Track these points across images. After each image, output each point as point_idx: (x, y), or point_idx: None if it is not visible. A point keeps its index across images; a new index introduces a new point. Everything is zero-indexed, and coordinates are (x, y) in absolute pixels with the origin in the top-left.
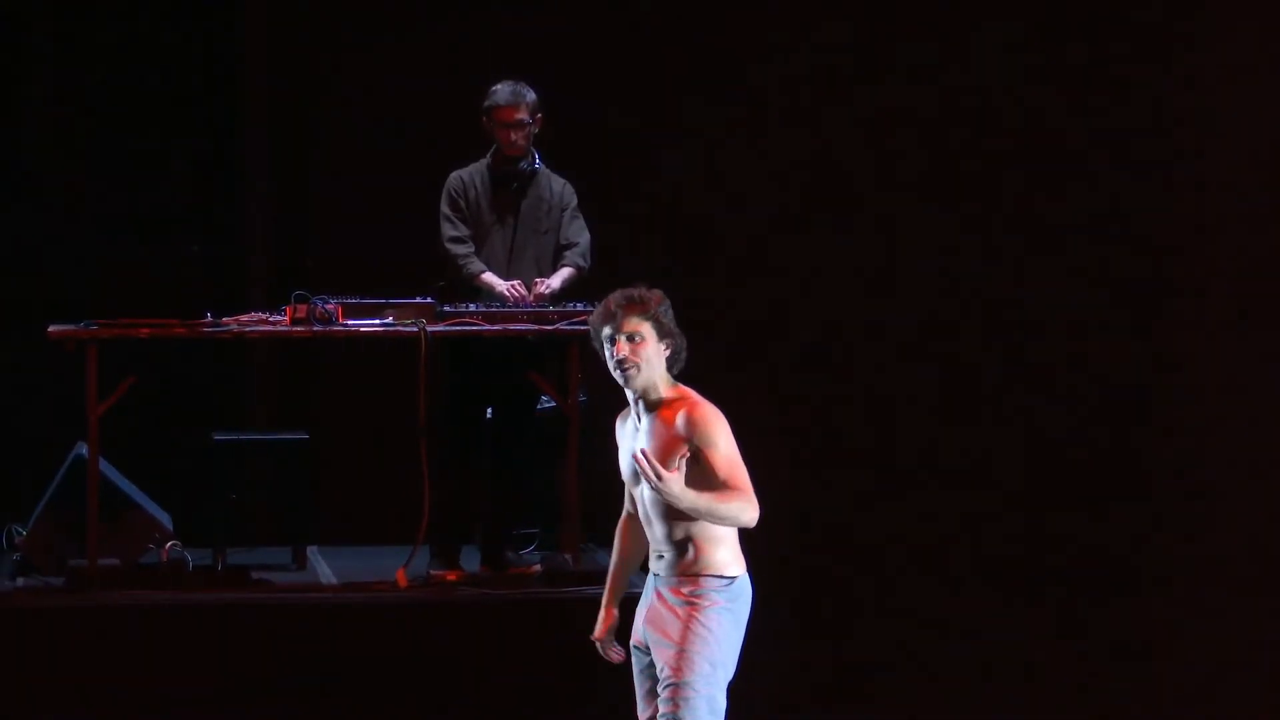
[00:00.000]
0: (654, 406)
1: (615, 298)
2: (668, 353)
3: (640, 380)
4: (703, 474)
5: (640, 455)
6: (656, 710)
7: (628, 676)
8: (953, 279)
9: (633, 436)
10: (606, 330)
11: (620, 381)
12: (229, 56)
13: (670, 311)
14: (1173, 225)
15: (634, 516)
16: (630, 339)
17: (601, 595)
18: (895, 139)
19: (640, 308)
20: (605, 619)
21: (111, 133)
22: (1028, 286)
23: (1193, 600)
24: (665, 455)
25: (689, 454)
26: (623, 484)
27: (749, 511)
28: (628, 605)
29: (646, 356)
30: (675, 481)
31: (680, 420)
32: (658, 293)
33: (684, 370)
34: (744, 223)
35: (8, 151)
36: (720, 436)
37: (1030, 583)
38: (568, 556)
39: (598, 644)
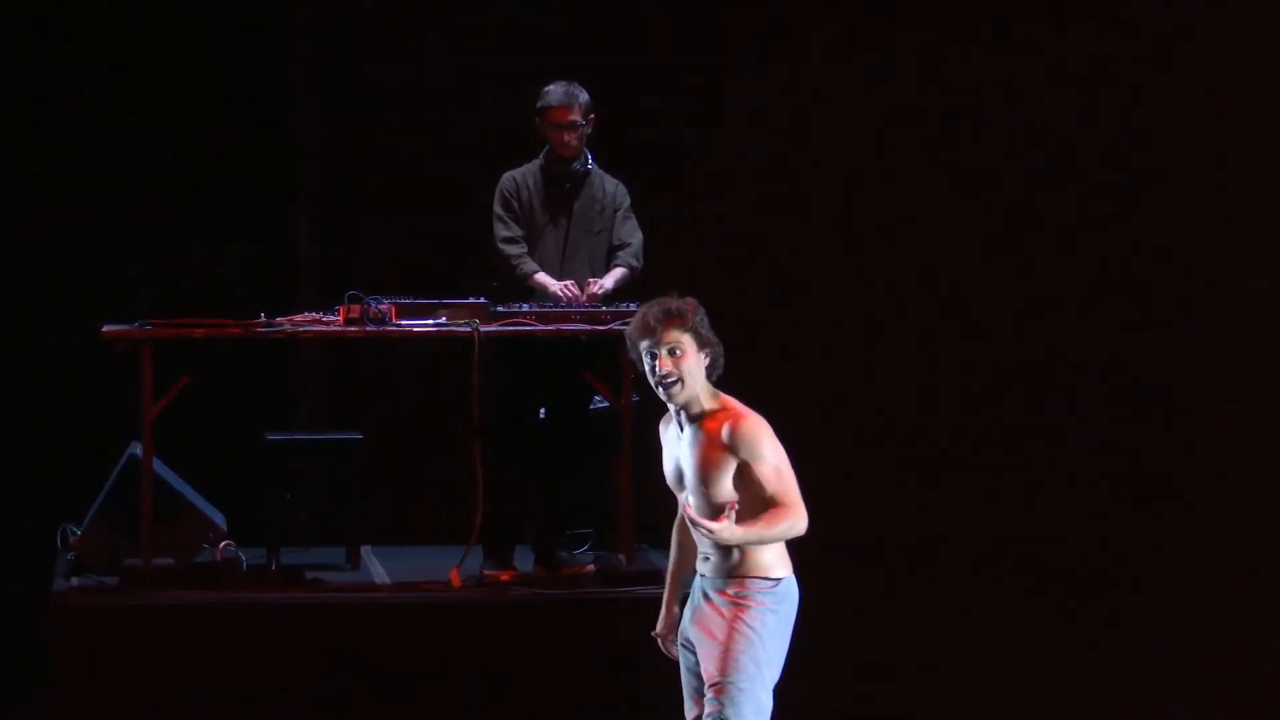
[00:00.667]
0: (697, 418)
1: (653, 311)
2: (707, 362)
3: (683, 394)
4: (749, 486)
5: (691, 518)
6: (704, 710)
7: (678, 676)
8: (983, 274)
9: (675, 444)
10: (645, 344)
11: (663, 397)
12: (280, 55)
13: (706, 319)
14: (1211, 223)
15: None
16: (671, 353)
17: (661, 594)
18: (922, 136)
19: (679, 320)
20: (666, 617)
21: (162, 132)
22: (1059, 282)
23: (1225, 600)
24: (710, 467)
25: (736, 467)
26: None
27: (798, 525)
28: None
29: (688, 369)
30: (727, 529)
31: (725, 433)
32: (692, 301)
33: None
34: (765, 220)
35: (59, 152)
36: (766, 448)
37: (1057, 582)
38: (621, 556)
39: (659, 640)
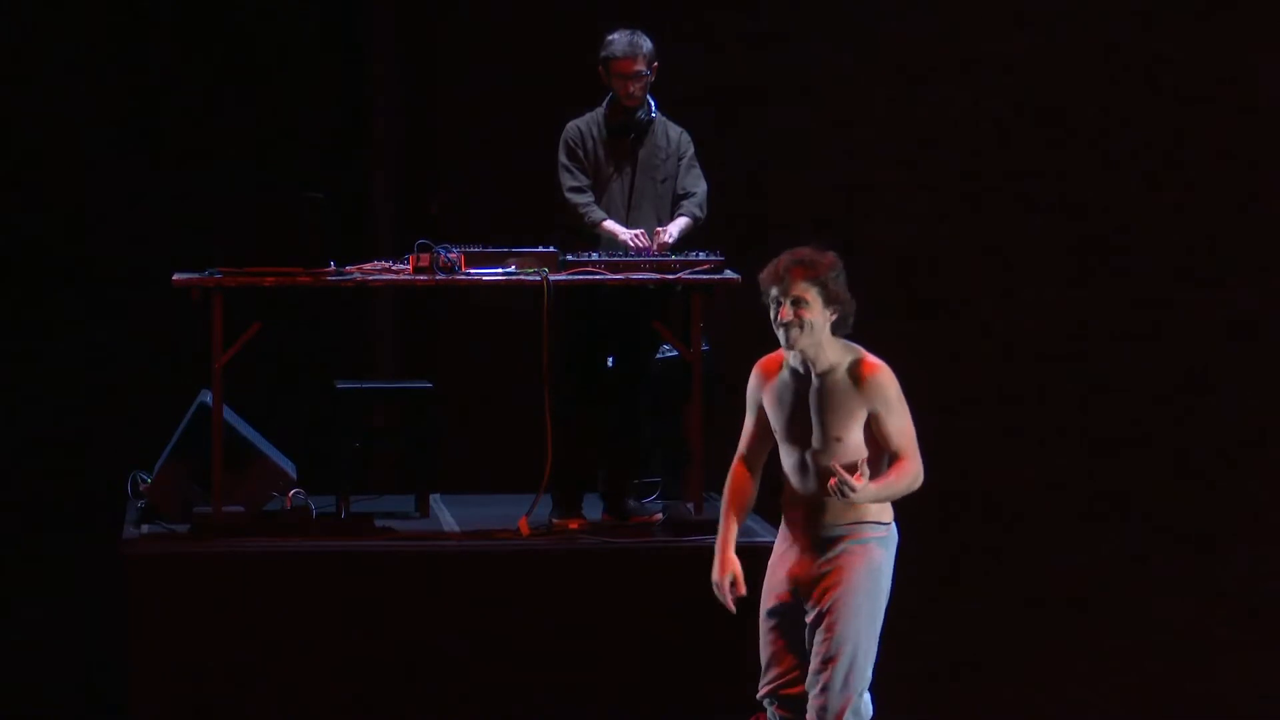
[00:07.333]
0: (827, 371)
1: (785, 260)
2: (834, 318)
3: (802, 343)
4: (875, 437)
5: (836, 471)
6: (788, 668)
7: (747, 625)
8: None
9: (788, 394)
10: (773, 292)
11: (782, 343)
12: (357, 4)
13: (842, 276)
14: None
15: (747, 461)
16: (796, 304)
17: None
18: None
19: (810, 272)
20: (726, 564)
21: (235, 79)
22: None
23: None
24: (845, 418)
25: (866, 418)
26: (738, 432)
27: (919, 480)
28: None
29: (810, 322)
30: (865, 489)
31: (858, 383)
32: (830, 256)
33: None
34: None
35: (132, 100)
36: (897, 400)
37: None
38: (690, 505)
39: (720, 588)
